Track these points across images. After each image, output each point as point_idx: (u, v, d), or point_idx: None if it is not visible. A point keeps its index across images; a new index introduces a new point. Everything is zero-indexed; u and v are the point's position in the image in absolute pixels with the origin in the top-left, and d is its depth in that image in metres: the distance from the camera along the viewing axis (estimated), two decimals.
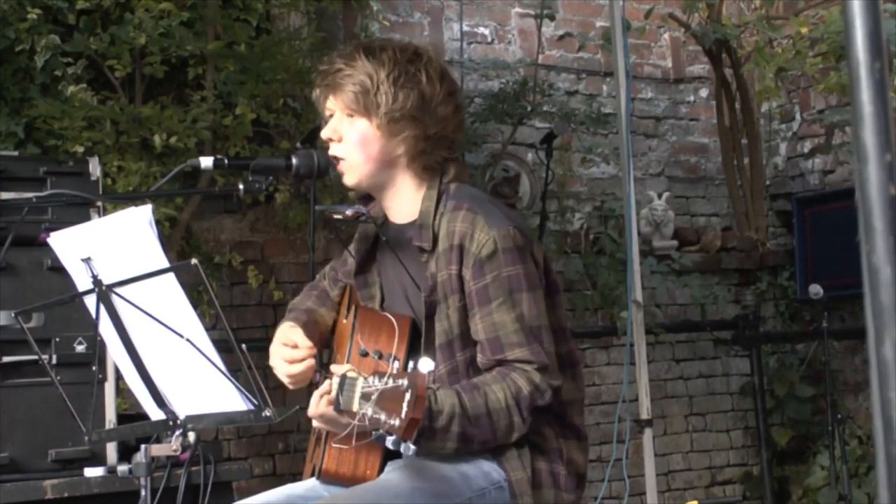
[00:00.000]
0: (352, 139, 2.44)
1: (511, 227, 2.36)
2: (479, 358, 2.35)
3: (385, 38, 2.58)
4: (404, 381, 1.95)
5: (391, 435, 1.97)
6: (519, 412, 2.27)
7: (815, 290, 5.19)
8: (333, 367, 2.26)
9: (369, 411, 1.95)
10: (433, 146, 2.45)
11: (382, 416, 1.94)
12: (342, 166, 2.47)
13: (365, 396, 1.97)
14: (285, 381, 2.50)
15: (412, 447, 2.00)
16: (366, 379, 1.99)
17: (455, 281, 2.36)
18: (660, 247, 6.23)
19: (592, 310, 5.99)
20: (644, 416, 4.97)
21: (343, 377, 2.04)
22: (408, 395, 1.93)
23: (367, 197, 2.60)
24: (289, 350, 2.47)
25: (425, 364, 1.98)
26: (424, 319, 2.41)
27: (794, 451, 6.34)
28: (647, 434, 4.98)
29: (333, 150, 2.48)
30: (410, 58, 2.44)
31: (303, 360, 2.45)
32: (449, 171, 2.49)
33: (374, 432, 1.99)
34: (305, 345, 2.46)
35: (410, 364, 2.00)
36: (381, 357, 2.34)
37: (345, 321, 2.60)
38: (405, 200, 2.49)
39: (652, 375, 5.35)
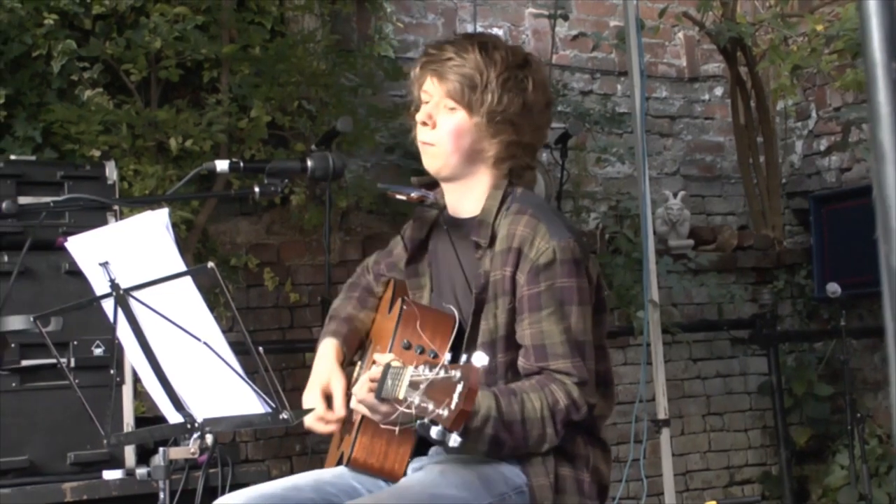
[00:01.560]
0: (447, 128, 2.43)
1: (572, 239, 2.36)
2: (521, 362, 2.35)
3: (495, 35, 2.57)
4: (457, 373, 1.93)
5: (436, 425, 1.94)
6: (553, 424, 2.27)
7: (833, 288, 5.16)
8: (377, 356, 2.25)
9: (417, 399, 1.93)
10: (523, 152, 2.46)
11: (430, 406, 1.92)
12: (429, 151, 2.46)
13: (413, 385, 1.95)
14: (308, 428, 2.54)
15: (458, 439, 1.98)
16: (416, 367, 1.98)
17: (508, 283, 2.36)
18: (676, 246, 6.21)
19: (608, 310, 5.97)
20: (661, 415, 4.95)
21: (388, 366, 2.04)
22: (459, 387, 1.91)
23: (429, 185, 2.61)
24: (323, 407, 2.49)
25: (479, 358, 1.96)
26: (471, 316, 2.41)
27: (813, 450, 6.32)
28: (665, 434, 4.95)
29: (424, 135, 2.46)
30: (521, 63, 2.44)
31: (331, 423, 2.48)
32: (524, 175, 2.50)
33: (418, 421, 1.97)
34: (339, 411, 2.47)
35: (464, 357, 1.98)
36: (422, 352, 2.33)
37: (388, 315, 2.59)
38: (473, 197, 2.48)
39: (669, 375, 5.33)
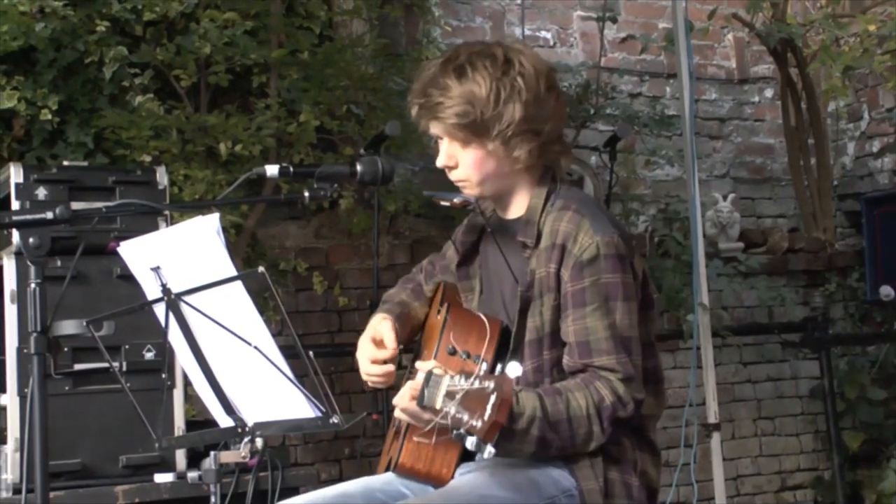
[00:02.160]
0: (468, 163, 2.42)
1: (616, 234, 2.34)
2: (566, 360, 2.34)
3: (467, 45, 2.49)
4: (490, 384, 1.94)
5: (472, 435, 1.96)
6: (599, 422, 2.25)
7: (886, 291, 5.11)
8: (419, 364, 2.25)
9: (452, 409, 1.94)
10: (549, 145, 2.44)
11: (465, 416, 1.93)
12: (464, 186, 2.47)
13: (450, 395, 1.96)
14: (364, 378, 2.52)
15: (492, 450, 1.98)
16: (452, 377, 1.98)
17: (553, 279, 2.35)
18: (726, 249, 6.17)
19: (658, 313, 5.93)
20: (712, 419, 4.92)
21: (429, 374, 2.04)
22: (493, 398, 1.92)
23: None
24: (374, 349, 2.49)
25: (513, 368, 1.97)
26: (517, 315, 2.40)
27: (866, 455, 6.23)
28: (715, 438, 4.92)
29: (453, 176, 2.46)
30: (503, 69, 2.37)
31: (385, 361, 2.47)
32: (560, 163, 2.49)
33: (454, 431, 1.98)
34: (391, 346, 2.47)
35: (499, 367, 1.99)
36: (468, 357, 2.33)
37: (436, 317, 2.60)
38: (518, 200, 2.49)
39: (719, 379, 5.29)
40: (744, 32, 6.56)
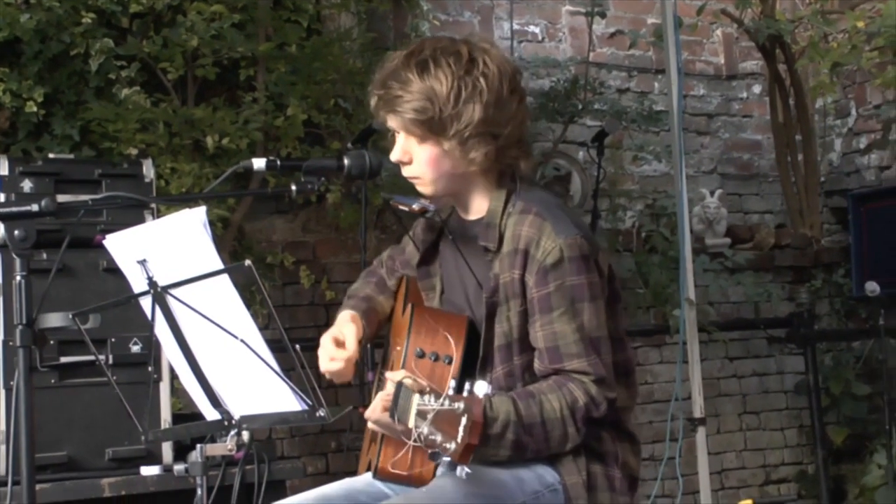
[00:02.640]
0: (422, 159, 2.39)
1: (578, 235, 2.33)
2: (537, 365, 2.33)
3: (433, 40, 2.43)
4: (460, 405, 1.94)
5: (446, 456, 1.96)
6: (574, 423, 2.26)
7: (872, 287, 5.12)
8: (389, 374, 2.25)
9: (425, 430, 1.94)
10: (508, 149, 2.40)
11: (438, 438, 1.93)
12: (417, 183, 2.44)
13: (421, 414, 1.96)
14: (323, 371, 2.48)
15: (468, 470, 1.98)
16: (422, 396, 1.98)
17: (517, 285, 2.34)
18: (713, 244, 6.18)
19: (645, 308, 5.96)
20: (697, 414, 4.94)
21: (399, 385, 2.04)
22: (464, 420, 1.92)
23: None
24: (333, 348, 2.45)
25: (481, 387, 1.98)
26: (485, 320, 2.39)
27: (850, 449, 6.26)
28: (701, 432, 4.94)
29: (406, 172, 2.43)
30: (467, 67, 2.33)
31: (343, 360, 2.43)
32: (521, 166, 2.45)
33: (429, 451, 1.98)
34: (351, 347, 2.43)
35: (466, 386, 1.98)
36: (437, 359, 2.33)
37: (402, 315, 2.59)
38: (476, 200, 2.46)
39: (705, 374, 5.31)
40: (732, 28, 6.57)
